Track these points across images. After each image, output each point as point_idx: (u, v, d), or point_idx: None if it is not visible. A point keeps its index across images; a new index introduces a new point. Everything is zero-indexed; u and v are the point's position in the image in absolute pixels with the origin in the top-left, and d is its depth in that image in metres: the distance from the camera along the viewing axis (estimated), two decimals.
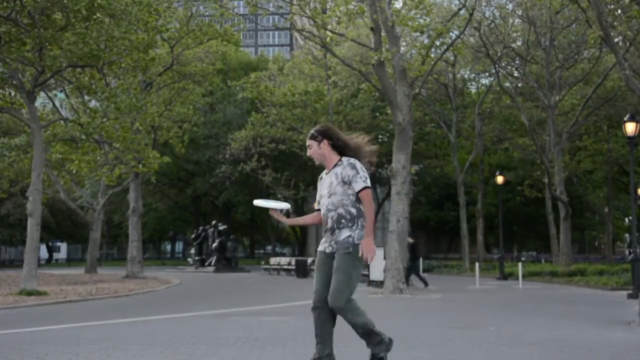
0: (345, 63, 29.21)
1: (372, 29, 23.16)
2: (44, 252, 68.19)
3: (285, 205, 6.03)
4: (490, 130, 46.44)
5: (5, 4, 19.69)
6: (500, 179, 34.98)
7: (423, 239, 64.84)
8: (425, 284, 24.68)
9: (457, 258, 50.39)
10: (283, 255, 64.53)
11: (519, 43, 41.64)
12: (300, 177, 52.13)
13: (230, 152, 44.87)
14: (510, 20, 40.42)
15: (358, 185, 5.71)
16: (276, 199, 64.99)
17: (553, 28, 35.76)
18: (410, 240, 23.98)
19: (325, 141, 5.94)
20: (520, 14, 38.94)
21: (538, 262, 47.89)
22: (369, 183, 5.74)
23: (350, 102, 44.59)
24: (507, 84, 42.55)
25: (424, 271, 39.11)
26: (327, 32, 26.58)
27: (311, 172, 48.03)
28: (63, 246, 79.95)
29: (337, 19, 25.96)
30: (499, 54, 38.33)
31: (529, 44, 37.01)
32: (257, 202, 6.14)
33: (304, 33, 28.74)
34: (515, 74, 42.33)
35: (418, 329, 10.61)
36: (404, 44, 34.91)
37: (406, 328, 10.95)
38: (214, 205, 62.44)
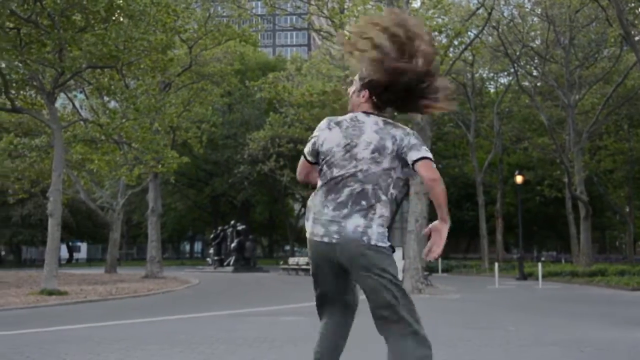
0: None
1: None
2: (64, 252, 68.73)
3: None
4: (509, 129, 46.22)
5: (25, 6, 19.85)
6: (519, 179, 34.80)
7: None
8: None
9: (476, 258, 50.20)
10: (301, 255, 64.55)
11: (537, 42, 41.40)
12: None
13: (249, 152, 44.98)
14: (529, 19, 40.20)
15: (415, 155, 3.76)
16: (294, 199, 65.26)
17: (573, 27, 35.52)
18: None
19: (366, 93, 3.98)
20: (539, 12, 38.72)
21: (558, 262, 47.62)
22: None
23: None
24: (526, 83, 42.32)
25: (443, 271, 39.06)
26: (345, 31, 26.57)
27: None
28: (83, 246, 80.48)
29: (354, 18, 25.92)
30: (517, 53, 38.13)
31: (548, 42, 36.80)
32: None
33: (321, 33, 28.78)
34: (534, 73, 42.10)
35: (437, 329, 10.57)
36: None
37: (425, 328, 10.92)
38: (232, 205, 62.60)
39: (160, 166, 29.56)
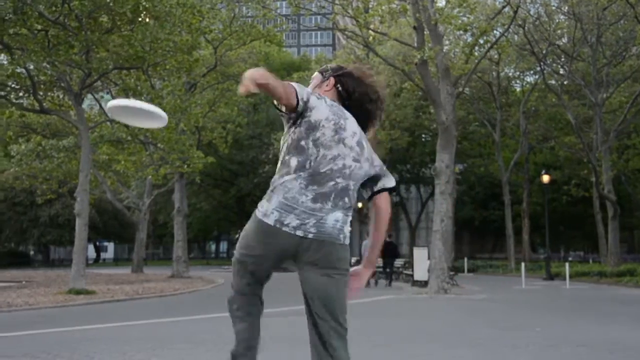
0: (388, 62, 29.07)
1: (414, 27, 23.06)
2: (91, 252, 69.33)
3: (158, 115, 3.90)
4: (535, 128, 45.87)
5: (53, 7, 20.05)
6: (546, 178, 34.54)
7: (467, 239, 64.44)
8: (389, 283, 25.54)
9: (502, 258, 49.89)
10: None
11: (564, 40, 41.02)
12: None
13: (274, 152, 45.10)
14: (556, 17, 39.86)
15: (391, 182, 3.71)
16: None
17: (600, 24, 35.13)
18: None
19: (332, 80, 3.72)
20: (566, 10, 38.36)
21: (586, 262, 47.13)
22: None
23: (393, 102, 44.42)
24: (553, 82, 41.95)
25: (469, 271, 38.87)
26: (370, 31, 26.52)
27: None
28: (110, 246, 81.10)
29: (379, 18, 25.86)
30: (544, 52, 37.82)
31: (575, 41, 36.45)
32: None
33: (346, 33, 28.72)
34: (561, 71, 41.70)
35: (463, 329, 10.52)
36: (447, 42, 34.63)
37: (451, 328, 10.87)
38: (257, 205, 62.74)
39: (186, 166, 29.71)
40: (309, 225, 3.30)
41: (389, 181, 3.65)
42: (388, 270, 26.84)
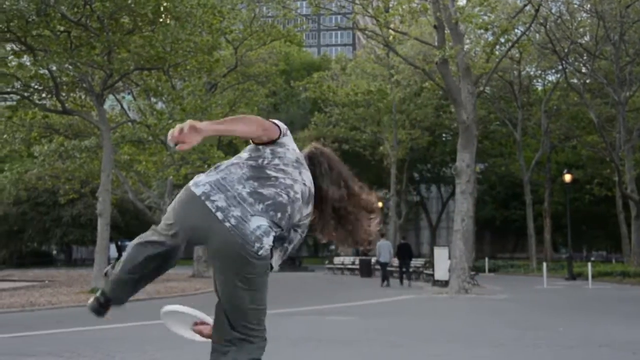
0: (408, 61, 29.05)
1: (435, 27, 22.98)
2: (113, 252, 69.70)
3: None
4: (557, 127, 45.55)
5: (75, 9, 20.21)
6: (568, 178, 34.31)
7: (488, 239, 64.12)
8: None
9: (523, 258, 49.61)
10: (347, 254, 64.45)
11: (586, 38, 40.69)
12: (364, 177, 51.59)
13: None
14: (578, 15, 39.56)
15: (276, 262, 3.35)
16: None
17: (623, 22, 34.82)
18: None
19: None
20: (588, 8, 38.08)
21: (608, 262, 46.78)
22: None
23: (414, 101, 44.33)
24: (575, 81, 41.64)
25: (490, 271, 38.70)
26: (390, 30, 26.49)
27: (375, 171, 47.95)
28: None
29: (399, 17, 25.82)
30: (566, 50, 37.54)
31: (597, 39, 36.14)
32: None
33: (366, 32, 28.72)
34: (583, 70, 41.39)
35: (484, 329, 10.48)
36: (467, 41, 34.48)
37: (472, 328, 10.83)
38: None
39: (206, 166, 29.80)
40: (231, 214, 2.95)
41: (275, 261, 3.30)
42: (405, 270, 26.97)
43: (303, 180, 3.22)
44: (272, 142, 3.18)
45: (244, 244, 2.95)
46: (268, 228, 2.99)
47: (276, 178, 3.10)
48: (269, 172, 3.11)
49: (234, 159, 3.20)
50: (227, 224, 2.94)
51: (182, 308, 3.13)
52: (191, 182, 3.09)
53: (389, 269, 26.83)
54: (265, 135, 3.12)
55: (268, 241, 2.99)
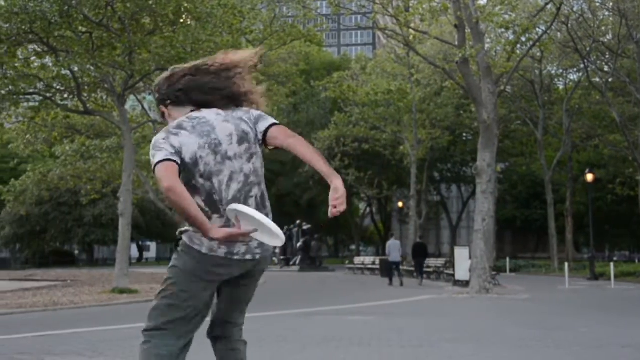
0: (429, 61, 28.94)
1: (455, 26, 22.89)
2: (134, 252, 70.15)
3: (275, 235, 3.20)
4: (579, 127, 45.22)
5: (97, 10, 20.35)
6: (590, 177, 34.07)
7: (509, 238, 63.79)
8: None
9: (545, 258, 49.28)
10: (367, 254, 64.48)
11: (609, 37, 40.39)
12: (384, 176, 52.05)
13: None
14: (600, 14, 39.26)
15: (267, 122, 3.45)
16: (359, 198, 65.20)
17: None
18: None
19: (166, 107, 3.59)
20: (610, 6, 37.77)
21: (631, 262, 46.37)
22: None
23: (434, 101, 44.20)
24: (597, 79, 41.32)
25: (511, 271, 38.50)
26: (410, 30, 26.41)
27: (395, 171, 47.85)
28: (152, 245, 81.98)
29: (420, 16, 25.74)
30: (588, 49, 37.28)
31: (620, 37, 35.84)
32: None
33: (386, 32, 28.66)
34: (606, 68, 41.07)
35: (506, 330, 10.43)
36: (488, 40, 34.32)
37: (494, 328, 10.78)
38: (297, 205, 62.91)
39: None
40: (254, 247, 3.28)
41: (263, 124, 3.41)
42: (420, 269, 27.25)
43: (233, 154, 3.28)
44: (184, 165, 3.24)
45: (270, 252, 3.44)
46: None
47: (236, 190, 3.29)
48: (230, 196, 3.27)
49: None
50: (258, 257, 3.35)
51: (248, 210, 3.11)
52: (202, 249, 3.26)
53: (406, 268, 27.07)
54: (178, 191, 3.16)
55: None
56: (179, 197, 3.06)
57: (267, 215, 3.26)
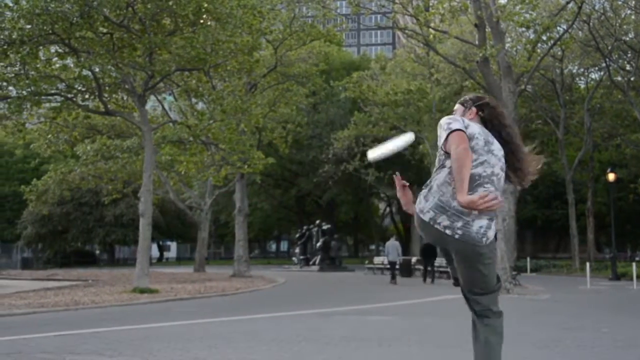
0: (449, 60, 28.85)
1: (476, 25, 22.80)
2: (155, 251, 70.50)
3: (408, 138, 4.72)
4: (600, 126, 44.87)
5: (118, 11, 20.47)
6: (611, 177, 33.79)
7: (530, 238, 63.35)
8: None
9: (566, 258, 48.94)
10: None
11: (631, 35, 40.03)
12: (405, 177, 51.67)
13: (333, 151, 45.15)
14: (622, 12, 38.92)
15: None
16: (378, 198, 65.06)
17: None
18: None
19: (474, 110, 4.49)
20: (632, 5, 37.44)
21: None
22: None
23: (454, 100, 43.79)
24: (619, 78, 40.97)
25: (531, 271, 38.27)
26: (430, 29, 26.33)
27: (415, 171, 47.69)
28: (173, 245, 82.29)
29: (439, 16, 25.67)
30: (609, 48, 36.98)
31: None
32: (373, 156, 4.84)
33: (406, 31, 28.61)
34: (628, 67, 40.71)
35: (527, 330, 10.36)
36: (509, 39, 34.16)
37: (514, 329, 10.71)
38: (317, 205, 62.92)
39: (246, 167, 29.94)
40: (457, 227, 4.03)
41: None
42: (429, 268, 28.03)
43: (498, 157, 4.19)
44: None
45: (474, 245, 4.04)
46: (489, 222, 4.08)
47: (479, 176, 4.07)
48: (473, 181, 4.01)
49: (441, 176, 4.15)
50: (456, 236, 4.03)
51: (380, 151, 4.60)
52: (417, 209, 4.19)
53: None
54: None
55: (491, 233, 4.10)
56: (469, 159, 3.93)
57: (487, 217, 4.11)
